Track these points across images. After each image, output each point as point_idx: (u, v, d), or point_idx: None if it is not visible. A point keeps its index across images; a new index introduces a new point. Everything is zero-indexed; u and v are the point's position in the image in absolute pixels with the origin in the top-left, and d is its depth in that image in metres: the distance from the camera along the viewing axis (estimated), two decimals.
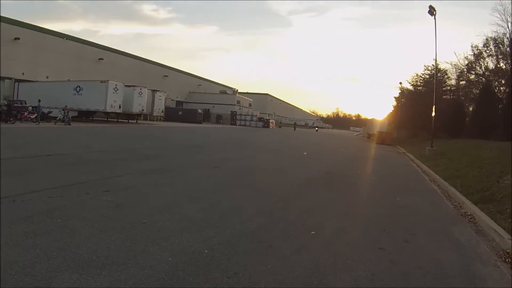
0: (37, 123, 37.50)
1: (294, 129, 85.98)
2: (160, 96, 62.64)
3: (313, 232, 7.72)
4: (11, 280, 4.69)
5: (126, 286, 4.79)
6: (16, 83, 53.78)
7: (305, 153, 27.66)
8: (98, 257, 5.59)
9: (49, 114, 41.97)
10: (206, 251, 6.16)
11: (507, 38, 43.87)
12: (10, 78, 53.53)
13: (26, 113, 39.12)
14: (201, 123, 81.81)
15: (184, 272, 5.32)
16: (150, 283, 4.92)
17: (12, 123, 35.10)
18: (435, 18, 32.60)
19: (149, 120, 66.26)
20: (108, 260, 5.51)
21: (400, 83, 76.64)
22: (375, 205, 11.51)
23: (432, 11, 32.23)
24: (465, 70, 51.24)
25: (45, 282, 4.75)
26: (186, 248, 6.24)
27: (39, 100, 40.06)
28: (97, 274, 5.03)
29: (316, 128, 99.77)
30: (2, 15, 53.10)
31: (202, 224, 7.60)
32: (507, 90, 43.65)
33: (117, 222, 7.26)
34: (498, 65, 47.22)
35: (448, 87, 56.51)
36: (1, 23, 52.14)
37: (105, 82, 48.43)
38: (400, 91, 76.27)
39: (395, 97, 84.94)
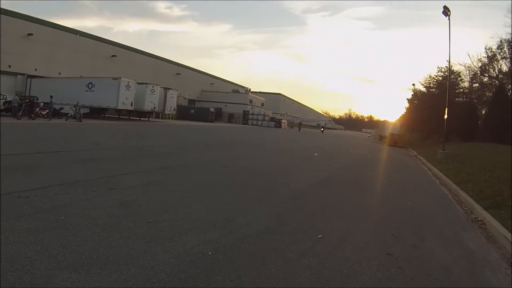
0: (48, 119, 37.63)
1: (299, 130, 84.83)
2: (172, 94, 62.61)
3: (320, 236, 7.59)
4: (10, 278, 4.64)
5: (125, 287, 4.71)
6: (29, 79, 54.06)
7: (316, 154, 27.50)
8: (99, 256, 5.52)
9: (61, 110, 42.09)
10: (209, 253, 6.07)
11: None
12: (22, 74, 53.81)
13: (37, 109, 39.26)
14: (213, 122, 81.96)
15: (185, 274, 5.24)
16: (150, 284, 4.84)
17: (33, 119, 35.34)
18: (449, 19, 32.29)
19: (161, 118, 66.38)
20: (109, 259, 5.44)
21: (413, 84, 76.13)
22: (384, 208, 11.35)
23: (446, 11, 31.92)
24: (478, 72, 50.75)
25: (44, 280, 4.69)
26: (189, 249, 6.15)
27: (51, 96, 40.26)
28: (97, 274, 4.96)
29: (322, 129, 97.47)
30: (16, 11, 53.42)
31: (208, 225, 7.51)
32: None
33: (121, 221, 7.19)
34: None
35: (461, 90, 56.05)
36: (15, 19, 52.41)
37: (117, 79, 48.60)
38: (413, 92, 75.98)
39: (407, 99, 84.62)
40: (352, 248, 7.07)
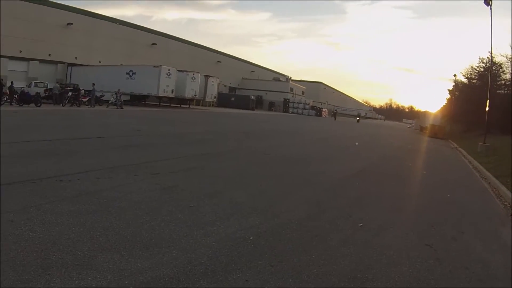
0: (90, 106, 38.18)
1: (335, 119, 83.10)
2: (213, 81, 62.51)
3: (361, 224, 7.45)
4: (52, 258, 4.62)
5: (167, 269, 4.65)
6: (69, 67, 54.92)
7: (357, 143, 27.25)
8: (142, 238, 5.51)
9: (102, 98, 42.59)
10: (251, 238, 5.99)
11: None
12: (63, 62, 54.68)
13: (79, 96, 39.80)
14: (253, 109, 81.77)
15: (227, 258, 5.18)
16: (191, 267, 4.77)
17: (78, 106, 36.14)
18: (491, 9, 31.42)
19: (202, 105, 66.66)
20: (151, 242, 5.42)
21: (455, 75, 74.45)
22: (424, 200, 11.07)
23: (488, 1, 31.14)
24: None
25: (86, 260, 4.69)
26: (231, 233, 6.10)
27: (93, 84, 40.79)
28: (138, 256, 4.92)
29: (357, 118, 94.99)
30: (55, 1, 54.21)
31: (249, 211, 7.44)
32: None
33: (163, 205, 7.18)
34: None
35: (503, 82, 54.76)
36: (55, 9, 53.25)
37: (158, 66, 48.83)
38: (454, 83, 74.57)
39: (448, 90, 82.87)
40: (392, 238, 6.91)
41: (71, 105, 35.90)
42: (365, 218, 7.97)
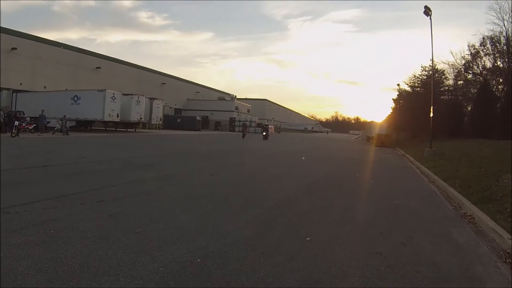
0: (40, 134, 37.78)
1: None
2: (158, 104, 62.40)
3: (309, 239, 7.60)
4: None
5: None
6: (14, 94, 53.93)
7: (303, 158, 27.52)
8: (90, 268, 5.50)
9: (47, 124, 41.99)
10: (198, 260, 6.07)
11: (504, 36, 43.95)
12: (8, 89, 53.68)
13: (24, 124, 39.21)
14: (199, 130, 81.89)
15: (175, 282, 5.23)
16: None
17: (41, 134, 36.01)
18: (430, 19, 32.57)
19: (148, 128, 66.32)
20: (99, 271, 5.43)
21: (398, 84, 76.46)
22: (372, 209, 11.32)
23: (427, 11, 32.21)
24: (462, 69, 51.27)
25: None
26: (178, 257, 6.15)
27: (42, 110, 40.35)
28: (87, 286, 4.94)
29: (264, 133, 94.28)
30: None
31: (196, 233, 7.51)
32: (505, 88, 43.66)
33: (110, 233, 7.18)
34: (496, 64, 47.23)
35: (446, 87, 56.48)
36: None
37: (102, 91, 48.48)
38: (398, 92, 76.28)
39: (393, 99, 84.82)
40: (341, 250, 7.06)
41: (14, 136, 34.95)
42: (313, 232, 8.13)
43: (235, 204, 10.79)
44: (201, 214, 9.20)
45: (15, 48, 54.36)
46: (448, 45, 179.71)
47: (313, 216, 9.83)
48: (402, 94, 73.00)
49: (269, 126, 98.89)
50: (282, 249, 6.89)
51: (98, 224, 7.72)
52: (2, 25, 53.86)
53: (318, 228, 8.56)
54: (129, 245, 6.54)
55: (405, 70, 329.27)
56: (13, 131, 35.23)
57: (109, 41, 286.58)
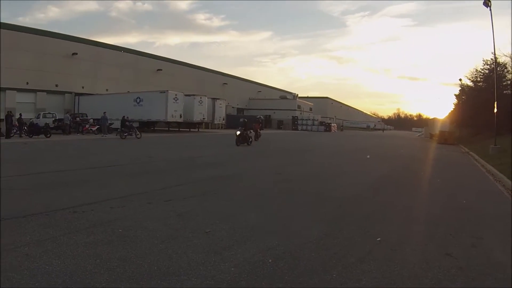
0: (103, 135, 38.63)
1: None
2: (220, 104, 62.88)
3: (379, 239, 7.33)
4: None
5: None
6: (76, 97, 55.51)
7: (368, 156, 27.07)
8: (160, 267, 5.42)
9: (110, 126, 42.82)
10: (270, 261, 5.89)
11: None
12: (70, 92, 55.24)
13: (87, 126, 40.17)
14: (262, 129, 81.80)
15: (247, 283, 5.08)
16: None
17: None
18: (490, 10, 31.35)
19: (211, 128, 66.84)
20: (169, 270, 5.34)
21: (460, 79, 73.71)
22: (440, 208, 10.86)
23: (487, 2, 30.99)
24: None
25: None
26: (249, 257, 6.00)
27: (104, 112, 41.27)
28: (157, 286, 4.84)
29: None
30: (57, 32, 55.20)
31: (265, 233, 7.36)
32: None
33: (179, 232, 7.11)
34: None
35: (509, 82, 54.37)
36: (59, 40, 54.06)
37: (164, 92, 49.21)
38: (460, 88, 74.12)
39: (455, 95, 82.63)
40: (411, 250, 6.79)
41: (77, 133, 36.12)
42: (383, 232, 7.84)
43: (302, 202, 10.54)
44: (269, 213, 9.05)
45: (76, 53, 56.16)
46: (510, 36, 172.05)
47: (381, 215, 9.54)
48: (464, 89, 70.83)
49: (332, 124, 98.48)
50: (353, 249, 6.65)
51: (166, 223, 7.68)
52: (61, 32, 55.76)
53: (387, 227, 8.26)
54: (198, 245, 6.43)
55: (467, 64, 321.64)
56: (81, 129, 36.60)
57: (168, 44, 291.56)
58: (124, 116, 37.94)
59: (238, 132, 31.61)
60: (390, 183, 15.26)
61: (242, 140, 31.73)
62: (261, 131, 40.70)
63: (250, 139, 33.06)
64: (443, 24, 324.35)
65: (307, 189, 12.78)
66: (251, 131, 35.85)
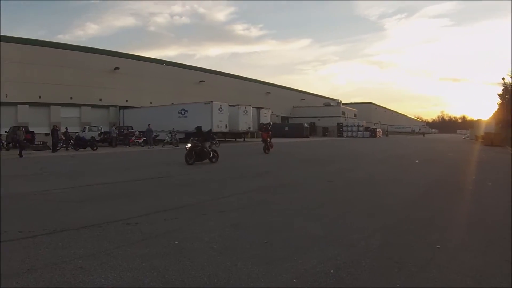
0: (150, 147, 39.22)
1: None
2: (265, 113, 62.82)
3: (438, 246, 7.03)
4: None
5: None
6: (121, 110, 56.66)
7: (417, 161, 26.56)
8: (219, 279, 5.28)
9: (156, 137, 43.33)
10: (332, 271, 5.67)
11: None
12: (114, 106, 56.29)
13: (133, 138, 40.75)
14: (307, 137, 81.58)
15: None
16: None
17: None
18: None
19: (256, 137, 66.91)
20: (230, 282, 5.19)
21: (503, 78, 71.52)
22: (495, 213, 10.36)
23: None
24: None
25: None
26: (310, 268, 5.78)
27: (149, 125, 41.86)
28: None
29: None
30: (100, 48, 56.61)
31: (324, 242, 7.14)
32: None
33: (236, 243, 6.96)
34: None
35: None
36: (101, 55, 55.37)
37: (209, 103, 49.47)
38: (503, 87, 72.11)
39: (498, 94, 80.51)
40: (472, 257, 6.50)
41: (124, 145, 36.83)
42: (441, 239, 7.52)
43: (357, 210, 10.27)
44: (325, 222, 8.81)
45: (118, 68, 57.78)
46: None
47: (438, 221, 9.22)
48: (507, 88, 68.96)
49: (377, 130, 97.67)
50: (413, 257, 6.40)
51: (222, 234, 7.55)
52: (102, 48, 57.08)
53: (445, 234, 7.95)
54: (257, 256, 6.25)
55: (508, 62, 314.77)
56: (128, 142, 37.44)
57: (208, 55, 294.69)
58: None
59: (189, 145, 22.30)
60: (443, 188, 14.81)
61: (196, 156, 22.18)
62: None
63: (211, 154, 23.08)
64: (481, 22, 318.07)
65: (362, 196, 12.52)
66: (215, 142, 30.84)
